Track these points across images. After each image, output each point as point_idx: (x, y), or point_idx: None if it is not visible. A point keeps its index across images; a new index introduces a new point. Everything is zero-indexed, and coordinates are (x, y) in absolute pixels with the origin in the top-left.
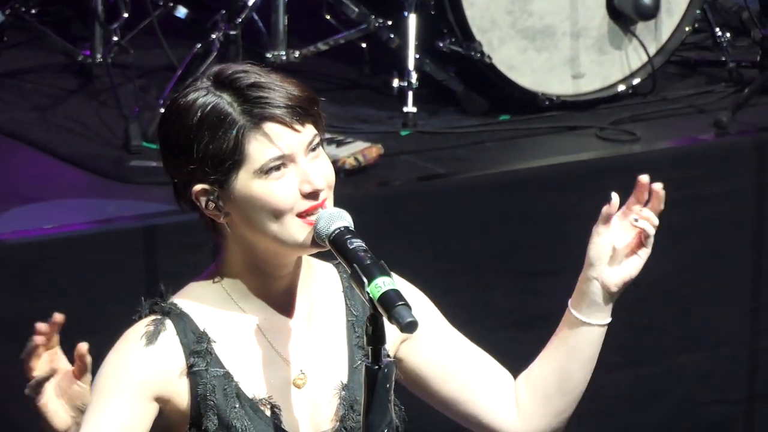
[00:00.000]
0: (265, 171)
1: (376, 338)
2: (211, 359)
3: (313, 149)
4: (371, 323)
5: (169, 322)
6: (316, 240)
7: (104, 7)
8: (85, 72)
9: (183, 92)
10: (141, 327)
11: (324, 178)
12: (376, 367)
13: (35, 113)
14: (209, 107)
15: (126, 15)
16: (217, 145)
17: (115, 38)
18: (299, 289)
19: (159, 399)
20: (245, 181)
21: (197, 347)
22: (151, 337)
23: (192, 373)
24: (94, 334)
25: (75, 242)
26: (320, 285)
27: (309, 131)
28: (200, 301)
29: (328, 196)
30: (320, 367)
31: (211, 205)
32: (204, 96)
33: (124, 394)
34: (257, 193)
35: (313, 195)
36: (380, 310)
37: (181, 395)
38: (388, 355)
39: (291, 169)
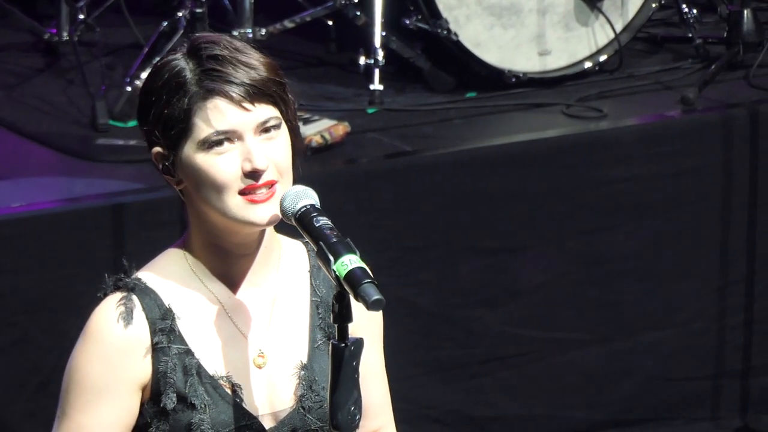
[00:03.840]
0: (207, 144)
1: (343, 316)
2: (174, 336)
3: (267, 131)
4: (337, 301)
5: (135, 298)
6: (282, 218)
7: None
8: (51, 50)
9: (167, 53)
10: (111, 309)
11: (268, 159)
12: (343, 345)
13: (1, 92)
14: (174, 71)
15: None
16: (170, 111)
17: (81, 16)
18: (265, 268)
19: (141, 385)
20: (190, 151)
21: (162, 324)
22: (128, 318)
23: (156, 349)
24: (62, 312)
25: (42, 221)
26: (288, 264)
27: (263, 111)
28: (166, 274)
29: (279, 180)
30: (281, 348)
31: (166, 170)
32: (176, 60)
33: (119, 390)
34: (199, 165)
35: (253, 174)
36: (346, 287)
37: (147, 373)
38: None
39: (237, 146)
